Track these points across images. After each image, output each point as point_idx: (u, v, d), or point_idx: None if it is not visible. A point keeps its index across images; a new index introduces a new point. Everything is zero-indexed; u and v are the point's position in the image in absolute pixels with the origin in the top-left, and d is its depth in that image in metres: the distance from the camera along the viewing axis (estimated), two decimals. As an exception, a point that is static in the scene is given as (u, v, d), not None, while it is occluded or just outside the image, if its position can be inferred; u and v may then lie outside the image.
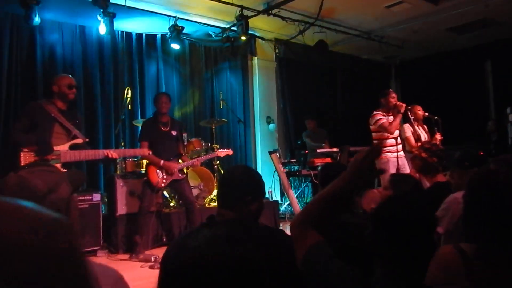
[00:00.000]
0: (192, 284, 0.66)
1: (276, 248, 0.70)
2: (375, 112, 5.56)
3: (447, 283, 1.37)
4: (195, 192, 6.03)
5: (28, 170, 1.24)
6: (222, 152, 5.55)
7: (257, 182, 1.85)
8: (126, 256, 5.05)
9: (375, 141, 5.59)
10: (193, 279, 0.66)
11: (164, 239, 5.41)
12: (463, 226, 1.61)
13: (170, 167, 4.97)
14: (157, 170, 4.98)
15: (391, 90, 5.78)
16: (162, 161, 4.94)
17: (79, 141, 4.18)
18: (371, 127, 5.60)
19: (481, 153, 3.25)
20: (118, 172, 5.65)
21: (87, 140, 4.25)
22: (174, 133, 5.15)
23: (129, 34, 7.09)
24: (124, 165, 5.67)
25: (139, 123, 6.20)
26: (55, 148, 4.03)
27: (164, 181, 4.97)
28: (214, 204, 6.24)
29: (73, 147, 4.15)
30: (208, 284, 0.65)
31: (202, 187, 6.35)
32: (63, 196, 1.25)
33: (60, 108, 4.19)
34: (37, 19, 5.46)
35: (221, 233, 0.71)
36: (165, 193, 5.95)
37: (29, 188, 1.19)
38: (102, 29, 5.94)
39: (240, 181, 1.78)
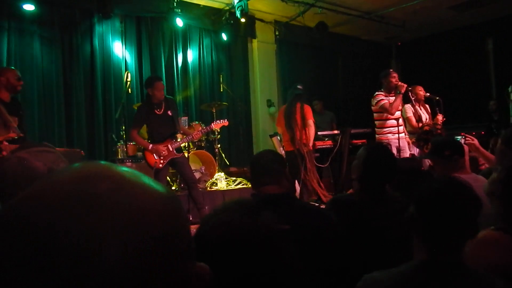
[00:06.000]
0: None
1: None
2: (377, 93, 5.53)
3: (492, 264, 1.32)
4: (196, 175, 6.03)
5: (26, 151, 1.23)
6: (218, 124, 5.37)
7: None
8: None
9: (376, 122, 5.57)
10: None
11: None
12: (505, 209, 1.53)
13: (158, 150, 4.88)
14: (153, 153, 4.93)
15: (391, 70, 5.72)
16: (150, 145, 4.88)
17: (13, 135, 4.10)
18: (372, 107, 5.58)
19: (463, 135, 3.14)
20: (119, 156, 5.65)
21: (21, 135, 4.16)
22: (170, 113, 5.02)
23: (131, 17, 7.03)
24: (125, 149, 5.66)
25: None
26: None
27: (162, 161, 4.90)
28: (216, 187, 6.26)
29: (10, 142, 4.07)
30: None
31: (203, 170, 6.35)
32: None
33: (4, 100, 4.14)
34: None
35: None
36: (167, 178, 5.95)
37: (31, 168, 1.18)
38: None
39: (278, 160, 2.05)
